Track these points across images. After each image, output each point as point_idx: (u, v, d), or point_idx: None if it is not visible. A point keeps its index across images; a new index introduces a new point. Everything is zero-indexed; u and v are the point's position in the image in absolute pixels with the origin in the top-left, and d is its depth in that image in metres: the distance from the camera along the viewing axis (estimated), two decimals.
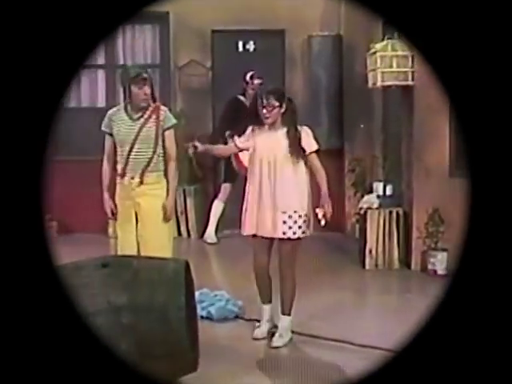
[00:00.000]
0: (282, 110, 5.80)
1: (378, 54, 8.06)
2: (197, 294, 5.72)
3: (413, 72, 8.04)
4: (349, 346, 5.76)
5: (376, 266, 8.20)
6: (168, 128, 5.89)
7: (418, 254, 8.19)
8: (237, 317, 6.48)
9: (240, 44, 10.62)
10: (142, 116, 5.82)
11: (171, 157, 5.91)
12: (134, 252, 5.77)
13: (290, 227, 5.72)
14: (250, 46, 10.63)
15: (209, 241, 9.69)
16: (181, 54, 10.36)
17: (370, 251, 8.21)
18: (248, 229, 5.85)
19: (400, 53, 8.05)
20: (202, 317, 6.11)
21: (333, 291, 7.36)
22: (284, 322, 5.90)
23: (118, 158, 5.91)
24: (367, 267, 8.20)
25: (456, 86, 3.83)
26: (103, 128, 5.97)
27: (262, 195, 5.77)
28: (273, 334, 5.92)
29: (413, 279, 8.03)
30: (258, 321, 6.17)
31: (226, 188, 9.76)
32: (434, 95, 8.01)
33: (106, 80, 10.69)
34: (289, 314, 5.91)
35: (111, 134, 5.90)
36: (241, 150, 6.19)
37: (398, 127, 8.79)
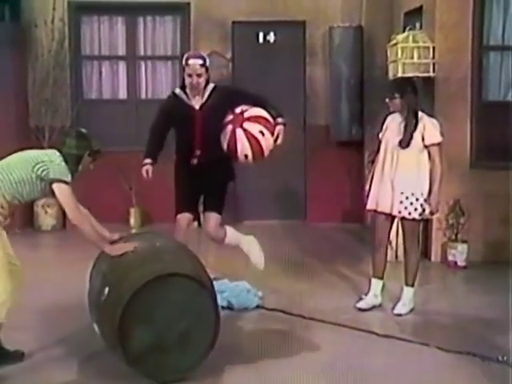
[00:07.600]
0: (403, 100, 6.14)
1: (399, 45, 8.08)
2: (218, 284, 5.74)
3: (434, 63, 8.05)
4: (372, 335, 5.81)
5: (396, 257, 8.18)
6: None
7: (438, 246, 8.21)
8: (257, 307, 6.53)
9: (261, 35, 10.65)
10: None
11: None
12: None
13: (406, 207, 6.15)
14: (271, 38, 10.65)
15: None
16: (201, 45, 10.37)
17: (390, 243, 8.18)
18: (370, 204, 6.37)
19: (421, 44, 8.07)
20: (222, 307, 6.15)
21: (352, 281, 7.41)
22: (407, 292, 6.35)
23: None
24: (387, 258, 8.18)
25: None
26: None
27: (384, 176, 6.23)
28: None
29: (433, 270, 8.05)
30: (281, 311, 6.32)
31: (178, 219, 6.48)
32: (455, 86, 8.12)
33: (127, 71, 10.73)
34: (412, 286, 6.35)
35: None
36: None
37: None
